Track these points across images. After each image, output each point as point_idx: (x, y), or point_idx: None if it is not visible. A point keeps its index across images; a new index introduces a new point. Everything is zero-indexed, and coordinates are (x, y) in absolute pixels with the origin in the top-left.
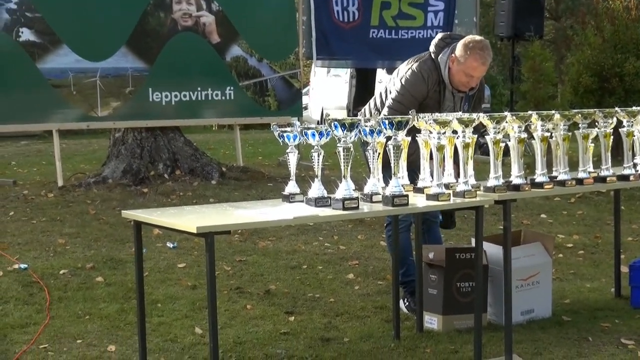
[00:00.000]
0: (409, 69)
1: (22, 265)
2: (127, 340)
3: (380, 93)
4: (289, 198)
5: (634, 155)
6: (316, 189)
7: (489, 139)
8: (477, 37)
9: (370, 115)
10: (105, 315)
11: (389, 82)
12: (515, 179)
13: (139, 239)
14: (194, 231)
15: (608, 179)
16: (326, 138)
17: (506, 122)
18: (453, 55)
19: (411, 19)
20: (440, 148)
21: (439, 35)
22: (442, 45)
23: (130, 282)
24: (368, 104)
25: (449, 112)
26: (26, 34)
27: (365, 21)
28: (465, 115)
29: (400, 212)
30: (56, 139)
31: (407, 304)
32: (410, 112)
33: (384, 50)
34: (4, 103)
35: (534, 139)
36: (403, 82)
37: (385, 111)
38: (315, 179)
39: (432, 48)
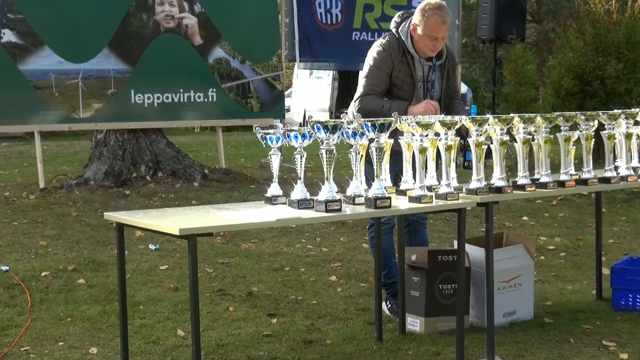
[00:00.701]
0: (372, 48)
1: (3, 268)
2: (109, 343)
3: None
4: (272, 200)
5: (615, 157)
6: (299, 191)
7: (471, 141)
8: (432, 0)
9: (353, 117)
10: (87, 318)
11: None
12: (498, 182)
13: (121, 241)
14: (177, 233)
15: (589, 181)
16: (309, 140)
17: (488, 124)
18: (413, 23)
19: None
20: (423, 150)
21: (397, 14)
22: (400, 21)
23: (112, 284)
24: (350, 106)
25: (421, 83)
26: (8, 35)
27: (348, 23)
28: (448, 118)
29: (382, 215)
30: (38, 141)
31: (389, 306)
32: (392, 114)
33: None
34: None
35: (516, 141)
36: (369, 62)
37: (358, 91)
38: (298, 181)
39: (392, 25)
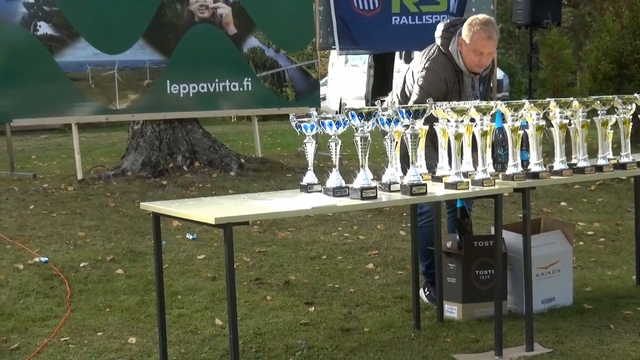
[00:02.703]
0: (423, 69)
1: (43, 259)
2: (148, 332)
3: (398, 85)
4: (307, 188)
5: None
6: (334, 179)
7: (506, 126)
8: (480, 15)
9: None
10: (126, 308)
11: (407, 73)
12: (534, 167)
13: (158, 231)
14: (213, 222)
15: (628, 165)
16: (343, 128)
17: (524, 109)
18: (460, 38)
19: (434, 4)
20: (458, 136)
21: (440, 26)
22: (447, 36)
23: (150, 274)
24: (389, 95)
25: (470, 97)
26: (44, 28)
27: (386, 9)
28: (483, 103)
29: (418, 201)
30: (75, 133)
31: (427, 293)
32: (427, 100)
33: (408, 37)
34: (23, 97)
35: (552, 126)
36: (420, 84)
37: (413, 99)
38: (333, 169)
39: (438, 41)
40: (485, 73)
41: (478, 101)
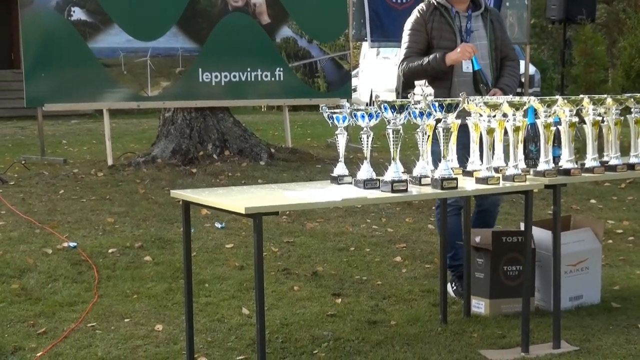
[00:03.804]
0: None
1: (72, 244)
2: (175, 320)
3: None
4: (338, 180)
5: None
6: (365, 171)
7: (539, 122)
8: None
9: (399, 79)
10: (153, 295)
11: None
12: (566, 164)
13: (187, 219)
14: (242, 212)
15: None
16: (375, 120)
17: (557, 105)
18: None
19: None
20: (490, 131)
21: None
22: None
23: (178, 262)
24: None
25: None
26: (77, 13)
27: (419, 2)
28: (516, 99)
29: (449, 196)
30: (106, 118)
31: (454, 287)
32: (460, 94)
33: None
34: (55, 82)
35: (584, 123)
36: (405, 29)
37: (399, 57)
38: (364, 161)
39: None
40: (478, 13)
41: (511, 96)
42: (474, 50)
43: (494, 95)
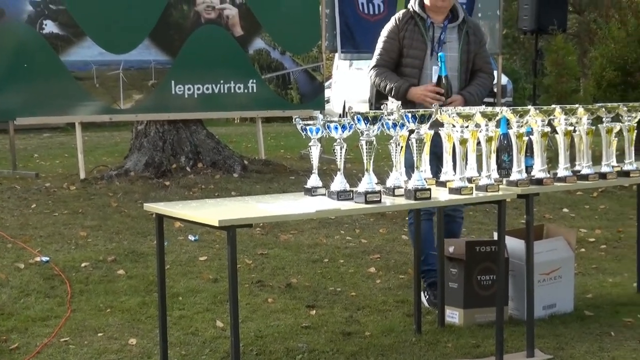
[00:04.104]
0: None
1: (44, 258)
2: (148, 334)
3: None
4: (311, 191)
5: None
6: (338, 182)
7: (511, 132)
8: None
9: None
10: (127, 309)
11: None
12: (538, 173)
13: (161, 232)
14: (216, 224)
15: (631, 173)
16: (349, 131)
17: (530, 116)
18: None
19: None
20: (463, 142)
21: None
22: None
23: (152, 275)
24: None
25: (442, 49)
26: (49, 27)
27: (391, 14)
28: (489, 109)
29: (422, 206)
30: (79, 132)
31: (427, 297)
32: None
33: None
34: (27, 95)
35: (556, 133)
36: (381, 34)
37: (371, 62)
38: (338, 172)
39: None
40: (454, 24)
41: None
42: (436, 98)
43: (451, 102)
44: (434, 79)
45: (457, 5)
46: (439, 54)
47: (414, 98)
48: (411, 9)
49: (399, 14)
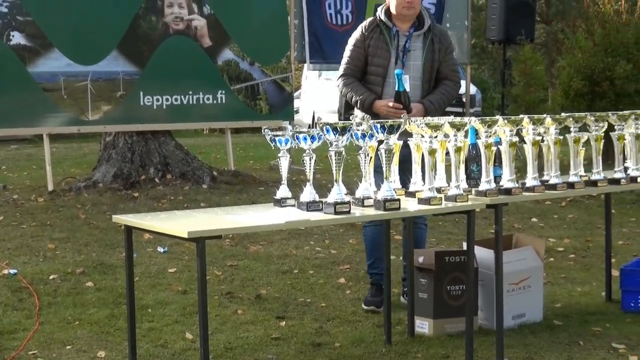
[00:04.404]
0: None
1: (12, 271)
2: (117, 346)
3: None
4: (281, 202)
5: (624, 159)
6: (308, 193)
7: (480, 143)
8: None
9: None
10: (95, 321)
11: None
12: (507, 183)
13: (130, 244)
14: (185, 236)
15: (599, 182)
16: (318, 142)
17: (498, 126)
18: None
19: None
20: (432, 152)
21: None
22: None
23: (121, 287)
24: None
25: (407, 57)
26: (17, 38)
27: (359, 24)
28: (457, 119)
29: (392, 217)
30: (47, 143)
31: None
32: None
33: None
34: None
35: (524, 142)
36: (348, 42)
37: (340, 71)
38: (307, 183)
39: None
40: (420, 32)
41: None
42: (398, 114)
43: (410, 111)
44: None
45: (424, 13)
46: (396, 72)
47: (378, 111)
48: (377, 18)
49: (366, 22)
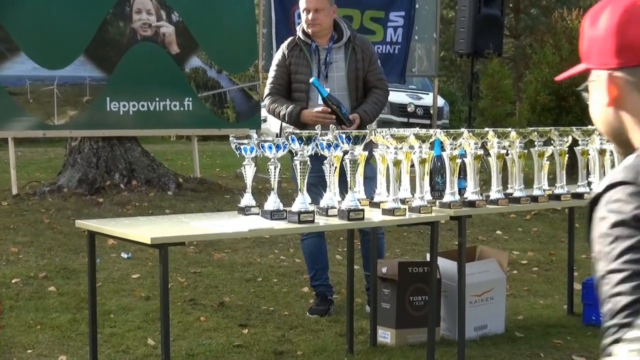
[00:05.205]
0: None
1: None
2: (79, 351)
3: None
4: (245, 210)
5: (588, 173)
6: (272, 202)
7: (445, 155)
8: None
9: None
10: (57, 325)
11: None
12: (471, 195)
13: (93, 249)
14: (148, 242)
15: (562, 196)
16: (283, 151)
17: (463, 138)
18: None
19: (371, 34)
20: (397, 163)
21: None
22: None
23: (83, 292)
24: None
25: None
26: None
27: None
28: (423, 131)
29: (356, 227)
30: (11, 147)
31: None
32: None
33: None
34: None
35: (490, 155)
36: (272, 62)
37: (266, 90)
38: (272, 192)
39: None
40: (339, 44)
41: (417, 129)
42: (328, 118)
43: (354, 119)
44: (320, 101)
45: (341, 25)
46: (311, 81)
47: (307, 121)
48: (297, 36)
49: (286, 42)
